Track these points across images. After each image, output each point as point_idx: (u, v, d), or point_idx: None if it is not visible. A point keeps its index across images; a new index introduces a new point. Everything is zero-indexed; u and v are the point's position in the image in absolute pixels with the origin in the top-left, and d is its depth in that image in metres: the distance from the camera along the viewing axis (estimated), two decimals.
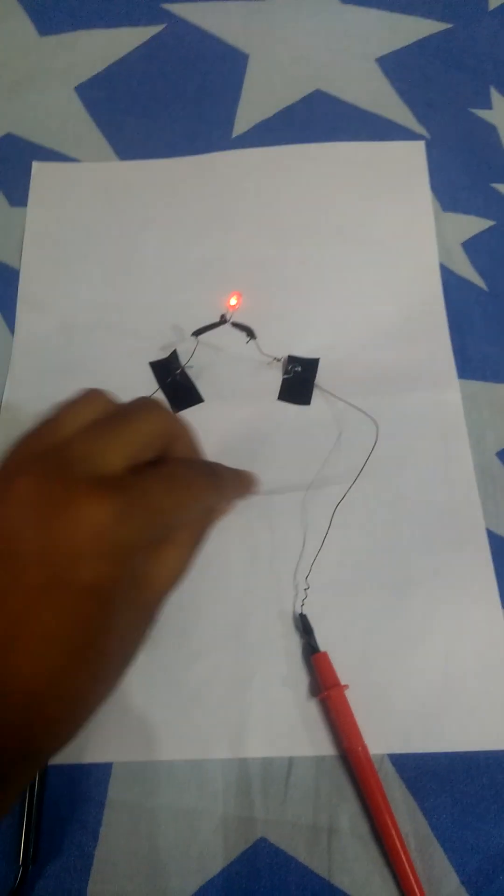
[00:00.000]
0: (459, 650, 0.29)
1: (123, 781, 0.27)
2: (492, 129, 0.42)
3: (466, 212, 0.39)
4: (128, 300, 0.37)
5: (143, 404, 0.24)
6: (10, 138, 0.42)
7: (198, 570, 0.25)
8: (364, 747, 0.27)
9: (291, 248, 0.38)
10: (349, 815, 0.27)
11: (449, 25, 0.45)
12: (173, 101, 0.43)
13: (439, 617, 0.30)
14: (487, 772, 0.27)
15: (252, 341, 0.33)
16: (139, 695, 0.28)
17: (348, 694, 0.28)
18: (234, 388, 0.35)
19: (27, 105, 0.43)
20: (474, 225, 0.39)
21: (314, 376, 0.35)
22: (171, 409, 0.25)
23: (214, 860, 0.26)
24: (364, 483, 0.32)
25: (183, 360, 0.35)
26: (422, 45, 0.45)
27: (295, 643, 0.29)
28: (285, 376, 0.35)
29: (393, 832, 0.26)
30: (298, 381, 0.35)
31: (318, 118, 0.42)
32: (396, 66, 0.44)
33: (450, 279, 0.37)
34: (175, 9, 0.46)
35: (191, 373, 0.35)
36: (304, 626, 0.29)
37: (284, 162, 0.41)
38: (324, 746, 0.28)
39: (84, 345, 0.36)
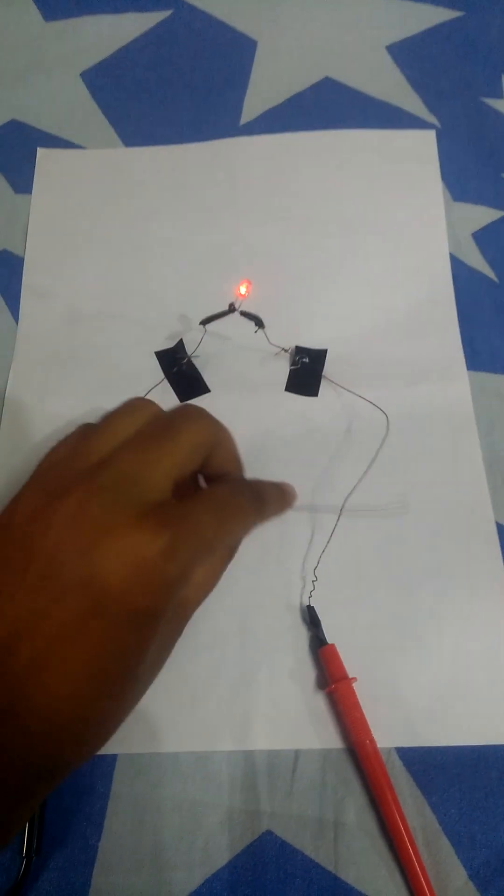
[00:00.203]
0: (468, 643, 0.29)
1: (128, 773, 0.27)
2: (503, 118, 0.41)
3: (477, 202, 0.39)
4: (133, 289, 0.37)
5: (188, 413, 0.23)
6: (15, 124, 0.42)
7: None
8: (372, 740, 0.27)
9: (299, 236, 0.38)
10: (356, 809, 0.26)
11: (460, 13, 0.45)
12: (180, 87, 0.43)
13: (448, 610, 0.30)
14: (496, 766, 0.27)
15: (259, 331, 0.33)
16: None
17: (356, 687, 0.27)
18: (240, 378, 0.34)
19: (32, 91, 0.43)
20: (485, 215, 0.39)
21: (322, 367, 0.34)
22: (213, 417, 0.24)
23: (220, 853, 0.26)
24: (372, 475, 0.31)
25: (189, 349, 0.34)
26: (433, 32, 0.44)
27: (302, 635, 0.29)
28: (293, 367, 0.34)
29: (400, 826, 0.26)
30: (306, 372, 0.34)
31: (327, 106, 0.42)
32: (407, 53, 0.43)
33: (460, 270, 0.37)
34: None
35: (197, 363, 0.35)
36: (311, 619, 0.29)
37: (293, 150, 0.40)
38: (331, 739, 0.27)
39: (89, 334, 0.36)
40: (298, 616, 0.29)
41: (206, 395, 0.34)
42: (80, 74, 0.43)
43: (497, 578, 0.30)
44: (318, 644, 0.29)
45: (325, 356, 0.35)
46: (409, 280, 0.37)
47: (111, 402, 0.33)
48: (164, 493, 0.21)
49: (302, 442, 0.33)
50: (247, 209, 0.39)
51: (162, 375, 0.34)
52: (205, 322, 0.33)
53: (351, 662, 0.28)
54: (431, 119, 0.41)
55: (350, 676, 0.28)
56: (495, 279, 0.37)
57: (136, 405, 0.23)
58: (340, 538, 0.30)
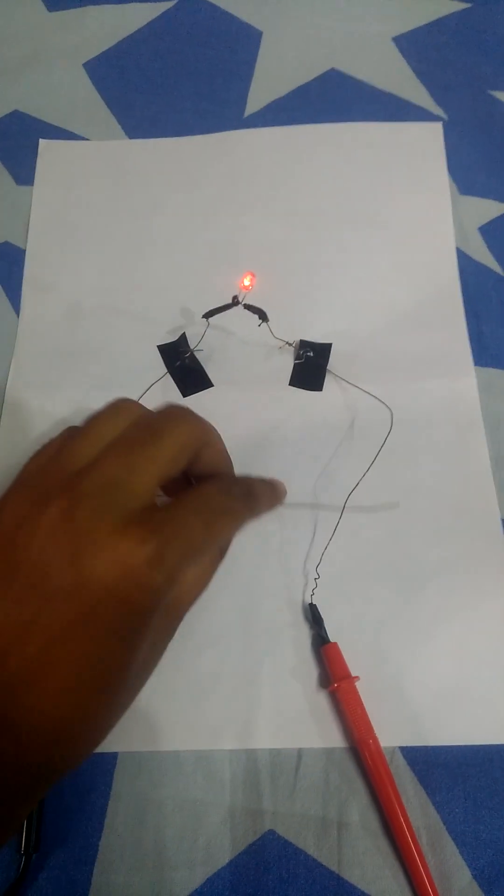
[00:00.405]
0: (472, 642, 0.29)
1: (129, 772, 0.27)
2: None
3: (484, 195, 0.38)
4: (136, 282, 0.36)
5: (173, 414, 0.23)
6: (17, 115, 0.41)
7: None
8: (375, 739, 0.26)
9: (305, 229, 0.37)
10: (359, 808, 0.26)
11: (467, 5, 0.44)
12: (184, 78, 0.42)
13: (452, 608, 0.29)
14: (501, 765, 0.27)
15: (263, 325, 0.33)
16: (146, 684, 0.28)
17: (359, 685, 0.27)
18: (244, 372, 0.34)
19: (34, 82, 0.42)
20: (492, 209, 0.38)
21: (327, 361, 0.34)
22: (199, 416, 0.24)
23: (222, 852, 0.26)
24: (377, 471, 0.31)
25: (192, 343, 0.34)
26: (439, 24, 0.44)
27: (304, 634, 0.29)
28: (297, 361, 0.34)
29: (404, 825, 0.25)
30: (310, 366, 0.34)
31: (332, 98, 0.41)
32: (414, 45, 0.43)
33: (466, 264, 0.36)
34: None
35: (200, 356, 0.34)
36: (313, 617, 0.29)
37: (298, 142, 0.40)
38: (333, 738, 0.27)
39: (91, 327, 0.35)
40: (301, 614, 0.29)
41: (209, 389, 0.34)
42: (84, 65, 0.43)
43: (502, 576, 0.30)
44: (321, 642, 0.28)
45: (329, 350, 0.34)
46: (415, 274, 0.36)
47: (112, 395, 0.33)
48: (149, 496, 0.20)
49: (306, 437, 0.33)
50: (251, 202, 0.38)
51: (164, 369, 0.34)
52: (208, 315, 0.32)
53: (354, 661, 0.28)
54: (438, 111, 0.41)
55: (353, 675, 0.27)
56: (502, 273, 0.36)
57: (120, 406, 0.23)
58: (343, 535, 0.30)
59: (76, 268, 0.37)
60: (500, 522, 0.31)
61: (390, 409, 0.32)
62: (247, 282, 0.31)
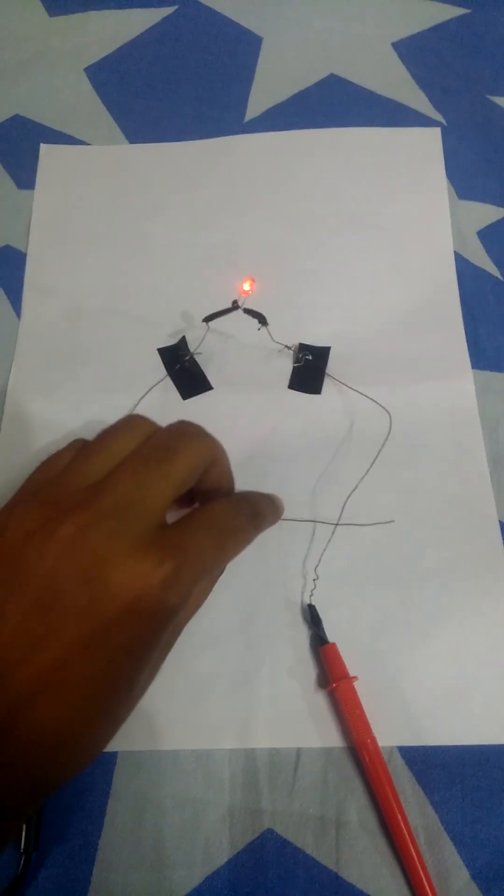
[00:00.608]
0: (470, 642, 0.29)
1: (129, 771, 0.27)
2: None
3: (482, 200, 0.39)
4: (136, 285, 0.37)
5: (186, 431, 0.23)
6: (19, 119, 0.42)
7: None
8: (373, 739, 0.27)
9: (304, 234, 0.38)
10: (358, 808, 0.26)
11: (466, 10, 0.44)
12: (185, 83, 0.42)
13: (450, 609, 0.29)
14: (498, 765, 0.27)
15: (263, 328, 0.33)
16: None
17: (357, 685, 0.27)
18: (243, 375, 0.34)
19: (36, 86, 0.43)
20: (490, 213, 0.38)
21: (325, 365, 0.34)
22: (210, 434, 0.24)
23: (220, 851, 0.26)
24: (375, 473, 0.31)
25: (192, 346, 0.34)
26: (439, 29, 0.44)
27: (303, 634, 0.29)
28: (296, 364, 0.34)
29: (402, 825, 0.25)
30: (309, 369, 0.34)
31: (332, 103, 0.41)
32: (413, 50, 0.43)
33: (464, 268, 0.37)
34: None
35: (200, 360, 0.35)
36: (312, 617, 0.29)
37: (297, 147, 0.40)
38: (332, 738, 0.27)
39: (91, 330, 0.36)
40: (299, 614, 0.29)
41: (209, 392, 0.34)
42: (85, 70, 0.43)
43: (500, 577, 0.30)
44: (319, 643, 0.28)
45: (328, 353, 0.34)
46: (414, 278, 0.37)
47: (113, 399, 0.33)
48: (163, 515, 0.21)
49: (305, 440, 0.33)
50: (251, 206, 0.39)
51: (164, 372, 0.34)
52: (208, 319, 0.33)
53: (352, 661, 0.28)
54: (437, 116, 0.41)
55: (351, 675, 0.27)
56: (500, 277, 0.37)
57: (133, 423, 0.23)
58: (342, 537, 0.30)
59: (77, 271, 0.37)
60: (497, 524, 0.31)
61: (389, 413, 0.33)
62: (247, 287, 0.32)
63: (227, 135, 0.40)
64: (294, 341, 0.35)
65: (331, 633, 0.29)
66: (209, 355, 0.35)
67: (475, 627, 0.29)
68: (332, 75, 0.42)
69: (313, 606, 0.29)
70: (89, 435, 0.25)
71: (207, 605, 0.27)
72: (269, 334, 0.33)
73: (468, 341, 0.35)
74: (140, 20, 0.44)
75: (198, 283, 0.36)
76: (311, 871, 0.25)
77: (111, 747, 0.27)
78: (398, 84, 0.42)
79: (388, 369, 0.34)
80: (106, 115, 0.42)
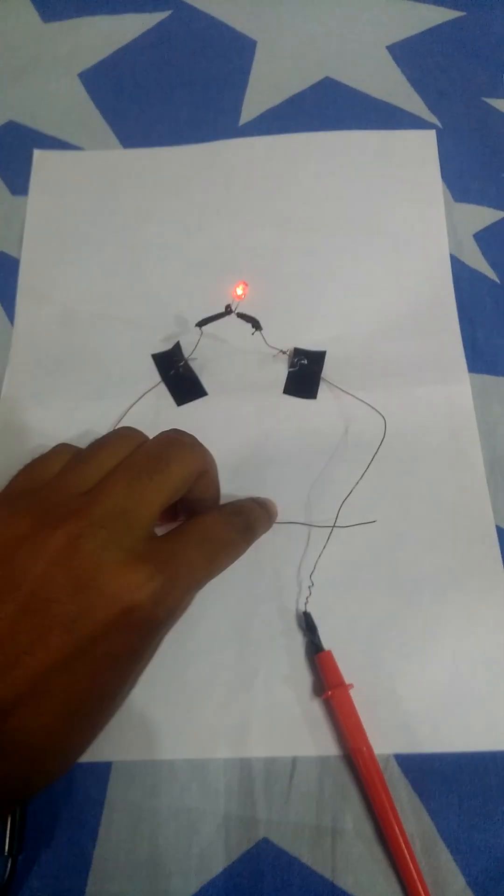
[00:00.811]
0: (467, 649, 0.29)
1: (123, 781, 0.27)
2: None
3: (478, 202, 0.39)
4: (130, 291, 0.37)
5: (178, 441, 0.23)
6: (12, 125, 0.41)
7: None
8: (369, 747, 0.26)
9: (299, 238, 0.38)
10: (353, 816, 0.26)
11: (462, 13, 0.44)
12: (179, 88, 0.42)
13: (446, 615, 0.29)
14: (495, 772, 0.27)
15: (257, 333, 0.33)
16: (139, 693, 0.28)
17: (353, 693, 0.27)
18: (238, 381, 0.34)
19: (29, 92, 0.43)
20: (486, 216, 0.38)
21: (320, 369, 0.34)
22: (201, 444, 0.24)
23: (216, 860, 0.26)
24: (371, 478, 0.31)
25: (186, 352, 0.34)
26: (434, 32, 0.44)
27: (298, 642, 0.29)
28: (291, 369, 0.34)
29: (398, 833, 0.25)
30: (304, 374, 0.34)
31: (327, 106, 0.41)
32: (408, 53, 0.43)
33: (461, 271, 0.37)
34: None
35: (194, 365, 0.34)
36: (307, 625, 0.29)
37: (292, 150, 0.40)
38: (328, 746, 0.27)
39: (85, 336, 0.36)
40: (294, 622, 0.29)
41: (204, 397, 0.34)
42: (79, 75, 0.43)
43: (497, 583, 0.30)
44: (315, 650, 0.28)
45: (323, 358, 0.34)
46: (410, 281, 0.36)
47: (107, 405, 0.33)
48: (152, 526, 0.21)
49: (300, 444, 0.33)
50: (245, 210, 0.38)
51: (159, 378, 0.34)
52: (201, 324, 0.32)
53: (348, 668, 0.28)
54: (432, 119, 0.41)
55: (347, 683, 0.27)
56: (497, 280, 0.37)
57: (124, 434, 0.23)
58: (337, 543, 0.30)
59: (71, 277, 0.37)
60: (494, 528, 0.31)
61: (384, 417, 0.32)
62: (239, 291, 0.31)
63: (222, 139, 0.40)
64: (289, 346, 0.35)
65: (326, 641, 0.28)
66: (204, 360, 0.34)
67: (472, 633, 0.29)
68: (326, 78, 0.42)
69: (308, 614, 0.29)
70: (82, 443, 0.25)
71: (201, 614, 0.27)
72: (264, 339, 0.33)
73: (465, 345, 0.35)
74: (134, 25, 0.44)
75: (192, 288, 0.36)
76: (306, 880, 0.25)
77: (105, 757, 0.27)
78: (393, 87, 0.42)
79: (385, 373, 0.34)
80: (100, 120, 0.42)
